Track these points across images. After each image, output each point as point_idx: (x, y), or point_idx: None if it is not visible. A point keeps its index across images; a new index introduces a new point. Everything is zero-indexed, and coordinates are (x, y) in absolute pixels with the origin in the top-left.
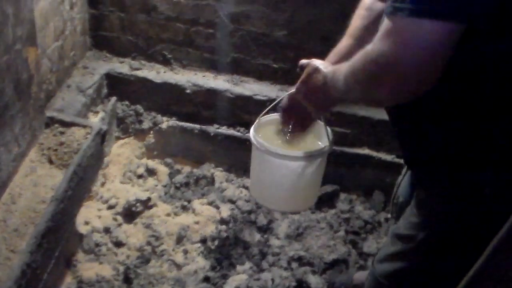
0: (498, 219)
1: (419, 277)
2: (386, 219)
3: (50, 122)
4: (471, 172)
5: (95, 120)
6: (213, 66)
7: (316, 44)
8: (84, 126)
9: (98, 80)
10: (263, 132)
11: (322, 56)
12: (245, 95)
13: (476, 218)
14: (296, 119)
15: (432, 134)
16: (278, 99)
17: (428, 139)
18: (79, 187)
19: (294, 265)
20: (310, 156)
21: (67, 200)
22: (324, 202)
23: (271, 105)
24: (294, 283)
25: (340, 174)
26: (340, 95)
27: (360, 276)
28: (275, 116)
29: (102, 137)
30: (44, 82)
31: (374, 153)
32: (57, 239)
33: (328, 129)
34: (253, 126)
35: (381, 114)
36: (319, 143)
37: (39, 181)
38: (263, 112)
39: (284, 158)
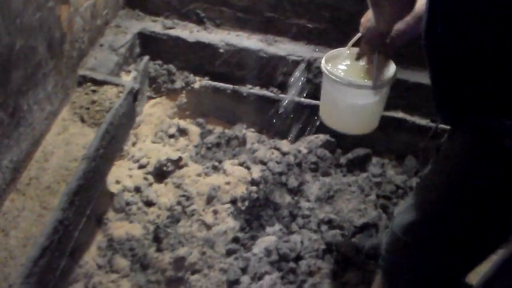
0: None
1: (433, 229)
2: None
3: (83, 80)
4: (492, 119)
5: (128, 79)
6: (246, 26)
7: (351, 3)
8: (117, 85)
9: (130, 39)
10: (333, 64)
11: (358, 16)
12: (279, 55)
13: (495, 170)
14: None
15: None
16: (355, 38)
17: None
18: (110, 146)
19: (324, 228)
20: (375, 86)
21: (98, 158)
22: (356, 165)
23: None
24: (323, 246)
25: (372, 137)
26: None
27: None
28: (341, 50)
29: (134, 96)
30: (77, 40)
31: (408, 117)
32: (89, 197)
33: (394, 67)
34: (326, 56)
35: (415, 77)
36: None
37: (71, 139)
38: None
39: (357, 87)
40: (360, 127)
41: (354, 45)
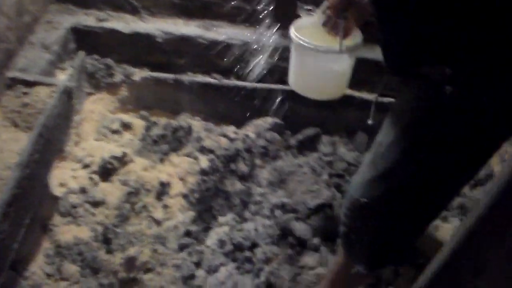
0: (459, 124)
1: (388, 185)
2: None
3: (12, 83)
4: (433, 68)
5: (63, 77)
6: (183, 12)
7: None
8: (49, 85)
9: (63, 34)
10: (301, 32)
11: None
12: (219, 40)
13: (440, 120)
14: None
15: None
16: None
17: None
18: (47, 149)
19: (278, 212)
20: (348, 50)
21: (34, 164)
22: (306, 145)
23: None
24: (278, 231)
25: (321, 116)
26: None
27: None
28: (311, 19)
29: (69, 95)
30: (2, 41)
31: (356, 93)
32: (27, 206)
33: (360, 34)
34: (293, 24)
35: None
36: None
37: (3, 146)
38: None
39: (326, 52)
40: (329, 92)
41: None
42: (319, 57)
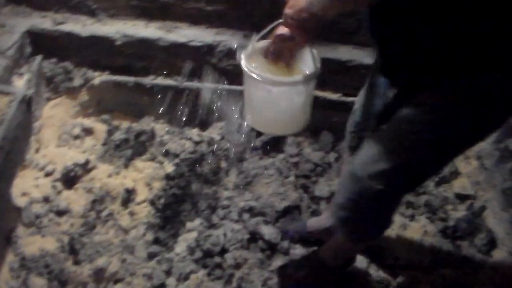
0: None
1: (406, 175)
2: (336, 159)
3: None
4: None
5: (21, 83)
6: (143, 14)
7: None
8: (7, 93)
9: (18, 38)
10: (254, 60)
11: None
12: (179, 42)
13: (466, 121)
14: (284, 48)
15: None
16: (269, 27)
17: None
18: (8, 161)
19: (246, 216)
20: (305, 80)
21: None
22: (272, 146)
23: (261, 34)
24: (247, 236)
25: None
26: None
27: (314, 222)
28: (263, 43)
29: (28, 103)
30: None
31: (319, 93)
32: None
33: (315, 52)
34: (243, 54)
35: (322, 53)
36: (305, 69)
37: None
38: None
39: (280, 85)
40: (292, 126)
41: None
42: (277, 90)
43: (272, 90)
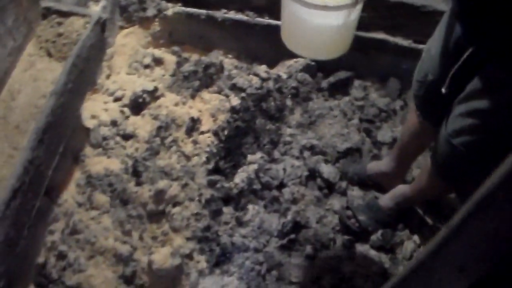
0: None
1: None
2: (402, 107)
3: (47, 12)
4: None
5: (96, 9)
6: None
7: None
8: (83, 16)
9: None
10: None
11: None
12: None
13: None
14: None
15: None
16: None
17: None
18: (80, 80)
19: (306, 154)
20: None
21: (67, 93)
22: (338, 88)
23: None
24: (306, 173)
25: (354, 59)
26: None
27: (374, 166)
28: None
29: (102, 26)
30: None
31: (390, 38)
32: (60, 134)
33: None
34: None
35: None
36: None
37: (38, 75)
38: None
39: (322, 9)
40: (329, 51)
41: None
42: (320, 14)
43: (307, 10)
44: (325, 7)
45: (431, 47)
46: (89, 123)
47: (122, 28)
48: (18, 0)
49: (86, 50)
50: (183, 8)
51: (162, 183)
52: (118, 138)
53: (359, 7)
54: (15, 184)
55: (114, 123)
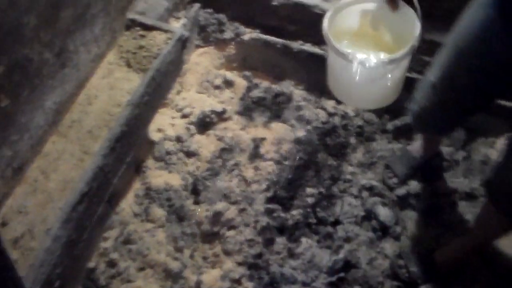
0: None
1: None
2: (465, 158)
3: (131, 24)
4: None
5: (177, 26)
6: None
7: None
8: (166, 31)
9: None
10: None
11: None
12: None
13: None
14: None
15: None
16: None
17: None
18: (155, 93)
19: (365, 194)
20: (395, 59)
21: (143, 105)
22: (403, 132)
23: None
24: (362, 213)
25: None
26: None
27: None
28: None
29: (183, 44)
30: None
31: None
32: (130, 145)
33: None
34: (327, 16)
35: None
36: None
37: (115, 84)
38: None
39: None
40: (377, 101)
41: None
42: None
43: (353, 64)
44: (368, 60)
45: None
46: (155, 136)
47: (198, 46)
48: (108, 9)
49: (165, 66)
50: (261, 35)
51: (220, 205)
52: (181, 154)
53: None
54: (83, 189)
55: (179, 139)
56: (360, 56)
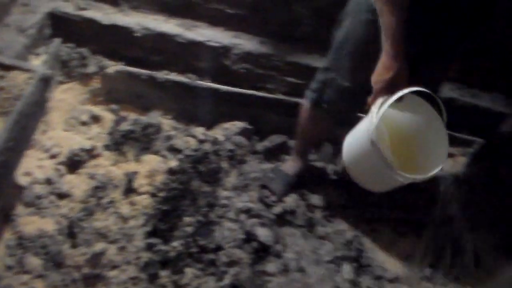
0: None
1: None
2: (335, 172)
3: None
4: None
5: (37, 63)
6: (164, 9)
7: None
8: (26, 70)
9: (40, 19)
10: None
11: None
12: (197, 40)
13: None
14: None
15: None
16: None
17: None
18: (20, 137)
19: (243, 217)
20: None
21: (7, 151)
22: (273, 152)
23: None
24: (242, 236)
25: (289, 124)
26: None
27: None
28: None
29: (45, 83)
30: None
31: None
32: None
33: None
34: (380, 111)
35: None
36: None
37: None
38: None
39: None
40: (392, 187)
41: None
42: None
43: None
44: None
45: None
46: (23, 180)
47: (61, 82)
48: None
49: (29, 107)
50: (125, 67)
51: (99, 246)
52: (52, 197)
53: None
54: None
55: (48, 181)
56: (403, 173)
